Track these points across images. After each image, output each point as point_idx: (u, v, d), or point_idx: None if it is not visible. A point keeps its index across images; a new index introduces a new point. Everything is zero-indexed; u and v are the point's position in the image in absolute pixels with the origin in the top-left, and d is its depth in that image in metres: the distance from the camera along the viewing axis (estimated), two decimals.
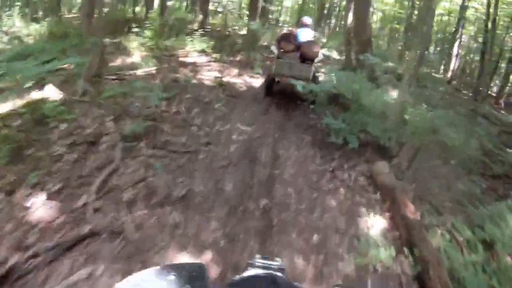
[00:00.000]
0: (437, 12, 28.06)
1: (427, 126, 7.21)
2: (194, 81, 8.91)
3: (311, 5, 35.34)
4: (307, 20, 8.85)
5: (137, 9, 20.62)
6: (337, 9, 32.67)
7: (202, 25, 18.62)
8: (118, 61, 9.78)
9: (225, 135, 6.34)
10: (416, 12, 24.25)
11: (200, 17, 17.86)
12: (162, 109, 6.94)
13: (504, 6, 20.82)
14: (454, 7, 25.73)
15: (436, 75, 23.96)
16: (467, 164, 6.59)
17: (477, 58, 29.27)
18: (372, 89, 7.92)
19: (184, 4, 26.79)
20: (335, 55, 19.37)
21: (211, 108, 7.42)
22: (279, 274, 1.13)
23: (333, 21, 33.06)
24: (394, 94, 10.80)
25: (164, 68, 9.61)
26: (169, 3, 20.64)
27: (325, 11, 28.99)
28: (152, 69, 9.38)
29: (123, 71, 8.85)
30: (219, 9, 27.86)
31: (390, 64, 14.75)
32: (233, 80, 9.78)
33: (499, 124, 12.25)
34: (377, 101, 7.29)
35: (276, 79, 7.83)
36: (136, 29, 12.35)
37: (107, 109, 6.39)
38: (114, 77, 8.28)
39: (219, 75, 9.82)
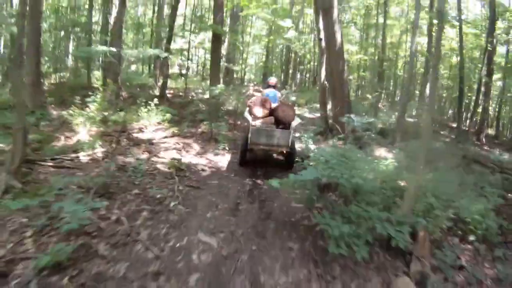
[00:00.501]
0: (401, 53, 28.13)
1: (441, 202, 5.61)
2: (146, 166, 7.16)
3: (274, 62, 35.00)
4: (273, 80, 8.90)
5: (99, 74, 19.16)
6: (305, 62, 32.28)
7: (163, 90, 17.30)
8: (62, 140, 8.11)
9: (182, 256, 4.49)
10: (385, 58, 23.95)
11: (161, 81, 16.55)
12: (100, 214, 5.13)
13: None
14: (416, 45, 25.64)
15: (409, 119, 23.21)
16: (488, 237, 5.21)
17: (444, 95, 29.28)
18: (363, 159, 6.40)
19: (147, 68, 25.63)
20: (307, 113, 18.17)
21: (164, 210, 5.60)
22: None
23: (298, 75, 32.47)
24: (384, 154, 9.36)
25: (112, 149, 7.86)
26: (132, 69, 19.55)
27: (290, 66, 28.31)
28: (99, 151, 7.63)
29: (65, 153, 7.23)
30: (183, 71, 26.92)
31: (366, 117, 13.63)
32: (194, 160, 8.12)
33: (493, 166, 11.09)
34: (375, 173, 5.76)
35: (252, 148, 7.38)
36: (90, 99, 10.74)
37: (32, 215, 4.68)
38: (51, 163, 6.67)
39: (178, 155, 8.13)
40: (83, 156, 7.35)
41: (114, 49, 11.95)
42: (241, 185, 6.76)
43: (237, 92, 20.06)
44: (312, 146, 9.74)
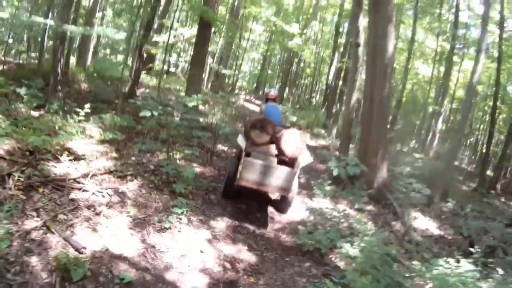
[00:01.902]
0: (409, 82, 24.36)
1: None
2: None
3: (269, 71, 31.10)
4: (274, 93, 7.11)
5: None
6: (303, 76, 28.38)
7: (132, 89, 13.07)
8: None
9: None
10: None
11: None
12: None
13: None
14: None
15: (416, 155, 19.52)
16: None
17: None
18: None
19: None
20: (308, 140, 14.05)
21: None
22: None
23: (295, 89, 28.48)
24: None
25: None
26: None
27: (289, 79, 24.22)
28: None
29: None
30: (166, 68, 22.48)
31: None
32: (116, 246, 3.98)
33: None
34: None
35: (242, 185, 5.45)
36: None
37: None
38: None
39: (90, 227, 4.01)
40: None
41: (51, 22, 7.79)
42: None
43: (225, 101, 15.98)
44: (326, 206, 5.93)
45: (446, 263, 4.50)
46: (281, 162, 5.79)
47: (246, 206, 6.28)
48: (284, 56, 25.52)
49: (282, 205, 6.33)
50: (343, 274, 4.19)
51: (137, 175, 5.81)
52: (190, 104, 6.70)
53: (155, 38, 16.06)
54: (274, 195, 6.72)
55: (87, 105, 6.84)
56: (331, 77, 23.16)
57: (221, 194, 6.20)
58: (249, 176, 5.38)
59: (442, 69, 20.67)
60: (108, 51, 24.66)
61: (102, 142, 6.86)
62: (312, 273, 4.52)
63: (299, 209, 6.62)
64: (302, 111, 19.73)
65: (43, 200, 4.37)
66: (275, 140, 5.74)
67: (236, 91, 25.96)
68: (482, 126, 25.56)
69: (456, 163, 18.25)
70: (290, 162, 5.82)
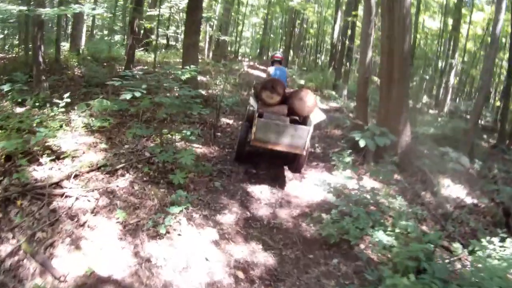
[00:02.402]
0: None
1: None
2: None
3: (272, 36, 29.63)
4: (280, 54, 7.16)
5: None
6: (307, 37, 26.97)
7: (128, 67, 12.20)
8: None
9: None
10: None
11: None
12: None
13: None
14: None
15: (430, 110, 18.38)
16: None
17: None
18: None
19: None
20: (318, 102, 13.07)
21: None
22: None
23: (300, 51, 27.13)
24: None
25: None
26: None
27: (293, 40, 22.87)
28: None
29: None
30: (172, 42, 21.34)
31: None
32: (103, 265, 3.24)
33: None
34: None
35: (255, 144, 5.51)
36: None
37: None
38: None
39: (74, 245, 3.30)
40: None
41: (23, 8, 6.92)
42: None
43: (227, 70, 15.01)
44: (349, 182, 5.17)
45: (490, 244, 3.80)
46: (292, 121, 5.81)
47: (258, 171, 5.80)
48: (286, 18, 24.12)
49: (295, 164, 6.24)
50: (379, 274, 3.43)
51: (130, 168, 5.04)
52: (184, 77, 5.84)
53: (150, 12, 15.06)
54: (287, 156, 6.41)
55: (66, 95, 6.05)
56: (335, 36, 22.02)
57: (234, 158, 6.27)
58: (263, 136, 5.41)
59: (451, 22, 19.11)
60: (105, 32, 23.72)
61: (92, 132, 6.09)
62: (342, 271, 3.76)
63: (318, 187, 5.85)
64: (309, 73, 18.62)
65: (21, 215, 3.66)
66: (287, 99, 5.78)
67: (239, 58, 24.80)
68: (496, 79, 23.94)
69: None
70: (301, 121, 5.95)
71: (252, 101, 6.11)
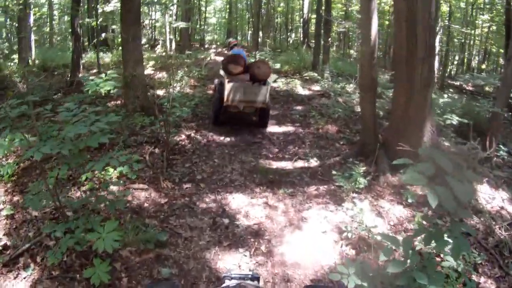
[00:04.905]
0: None
1: None
2: None
3: (238, 20, 27.09)
4: (234, 39, 9.21)
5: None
6: (275, 14, 24.62)
7: (73, 74, 10.16)
8: None
9: None
10: None
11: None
12: None
13: None
14: None
15: None
16: None
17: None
18: None
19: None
20: (300, 88, 10.92)
21: None
22: (251, 282, 1.08)
23: (269, 31, 24.79)
24: None
25: None
26: None
27: (261, 21, 20.44)
28: None
29: None
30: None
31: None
32: None
33: None
34: None
35: (228, 105, 6.51)
36: None
37: None
38: None
39: None
40: None
41: None
42: None
43: (192, 61, 12.65)
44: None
45: None
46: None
47: None
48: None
49: (263, 119, 7.10)
50: None
51: (40, 250, 2.88)
52: (104, 91, 3.61)
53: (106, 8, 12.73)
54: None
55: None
56: (305, 10, 19.82)
57: (212, 123, 7.06)
58: (234, 96, 6.32)
59: None
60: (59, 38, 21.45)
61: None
62: None
63: (326, 235, 3.79)
64: (282, 54, 16.35)
65: None
66: (248, 69, 6.69)
67: (206, 46, 22.34)
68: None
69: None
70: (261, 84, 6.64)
71: (222, 72, 7.01)
